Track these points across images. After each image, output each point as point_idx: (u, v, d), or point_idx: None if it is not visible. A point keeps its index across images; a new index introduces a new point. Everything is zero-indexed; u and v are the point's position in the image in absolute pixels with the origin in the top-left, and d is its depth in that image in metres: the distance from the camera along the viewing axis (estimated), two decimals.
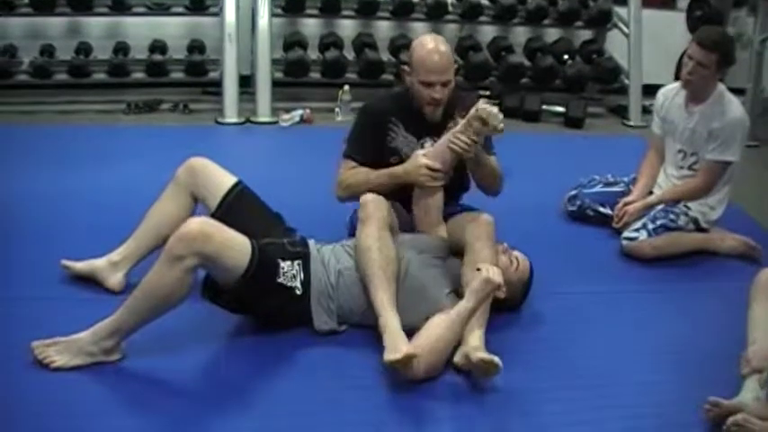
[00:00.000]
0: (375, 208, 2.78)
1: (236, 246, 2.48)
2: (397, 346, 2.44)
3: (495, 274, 2.58)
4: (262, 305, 2.63)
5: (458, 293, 2.77)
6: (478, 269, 2.61)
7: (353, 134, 3.20)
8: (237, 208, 2.87)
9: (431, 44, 2.97)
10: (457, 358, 2.57)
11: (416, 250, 2.84)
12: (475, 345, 2.56)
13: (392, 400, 2.44)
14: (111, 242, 3.01)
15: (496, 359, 2.45)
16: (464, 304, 2.56)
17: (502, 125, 2.83)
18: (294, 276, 2.64)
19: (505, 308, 2.87)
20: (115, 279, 2.90)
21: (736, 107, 3.67)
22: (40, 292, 2.91)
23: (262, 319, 2.71)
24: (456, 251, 2.94)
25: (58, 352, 2.39)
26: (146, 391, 2.39)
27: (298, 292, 2.65)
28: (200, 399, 2.39)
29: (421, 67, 2.96)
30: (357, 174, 3.10)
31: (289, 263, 2.65)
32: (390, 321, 2.55)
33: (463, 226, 2.90)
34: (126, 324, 2.43)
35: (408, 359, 2.40)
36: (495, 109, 2.81)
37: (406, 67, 3.09)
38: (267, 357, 2.60)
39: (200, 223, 2.42)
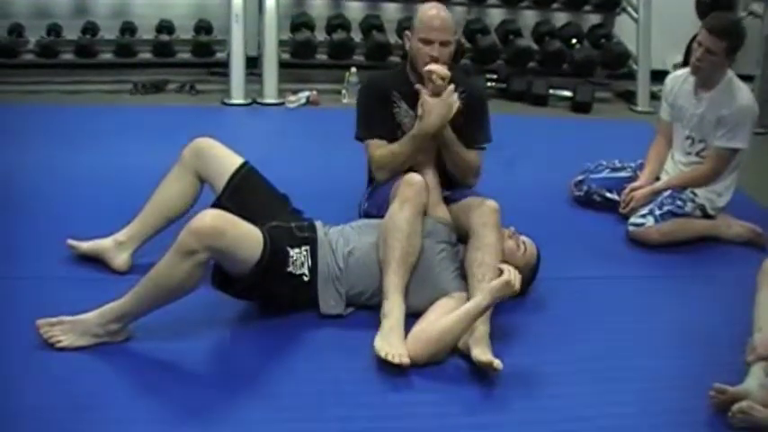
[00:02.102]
0: (417, 192, 2.76)
1: (248, 239, 2.47)
2: (392, 341, 2.46)
3: (516, 279, 2.54)
4: (271, 293, 2.64)
5: (463, 277, 2.78)
6: (500, 270, 2.56)
7: (362, 114, 3.21)
8: (244, 189, 2.87)
9: (433, 8, 3.06)
10: (461, 344, 2.56)
11: (424, 233, 2.83)
12: (478, 336, 2.54)
13: (397, 381, 2.44)
14: (116, 222, 3.01)
15: (496, 362, 2.42)
16: (479, 301, 2.52)
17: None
18: (302, 263, 2.64)
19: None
20: (121, 259, 2.90)
21: (745, 94, 3.65)
22: (46, 272, 2.91)
23: (269, 303, 2.71)
24: (460, 236, 2.94)
25: (64, 332, 2.39)
26: (152, 373, 2.39)
27: (305, 279, 2.65)
28: (206, 381, 2.39)
29: (422, 25, 3.03)
30: (384, 150, 3.12)
31: (297, 250, 2.64)
32: (395, 309, 2.57)
33: (468, 211, 2.89)
34: (133, 310, 2.43)
35: (400, 366, 2.42)
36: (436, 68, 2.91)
37: (408, 32, 3.14)
38: (274, 340, 2.60)
39: (214, 217, 2.39)
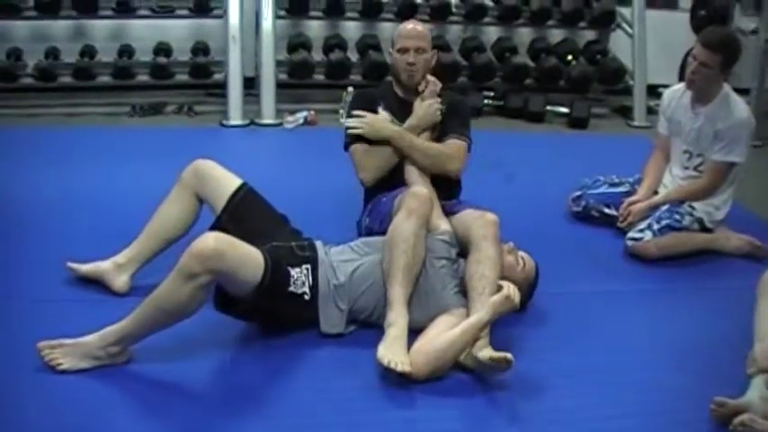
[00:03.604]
0: (421, 203, 2.79)
1: (249, 261, 2.47)
2: (395, 350, 2.48)
3: (515, 295, 2.58)
4: (273, 313, 2.64)
5: (464, 293, 2.78)
6: (500, 286, 2.61)
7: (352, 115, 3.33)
8: (243, 210, 2.88)
9: (408, 23, 3.41)
10: (463, 358, 2.56)
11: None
12: (480, 344, 2.56)
13: (399, 399, 2.44)
14: (115, 244, 3.02)
15: (509, 355, 2.45)
16: (480, 317, 2.55)
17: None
18: (303, 282, 2.65)
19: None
20: (121, 281, 2.91)
21: (741, 108, 3.67)
22: (46, 294, 2.91)
23: (270, 323, 2.71)
24: (461, 248, 2.95)
25: (64, 354, 2.39)
26: (154, 395, 2.38)
27: (306, 297, 2.65)
28: (208, 402, 2.39)
29: (398, 37, 3.31)
30: (372, 151, 3.26)
31: (298, 269, 2.65)
32: (400, 319, 2.58)
33: (468, 224, 2.91)
34: (134, 332, 2.42)
35: (402, 375, 2.44)
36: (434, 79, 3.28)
37: (390, 50, 3.38)
38: (275, 359, 2.60)
39: (215, 240, 2.38)
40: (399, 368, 2.42)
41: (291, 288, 2.61)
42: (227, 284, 2.47)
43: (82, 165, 4.46)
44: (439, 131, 3.31)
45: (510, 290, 2.56)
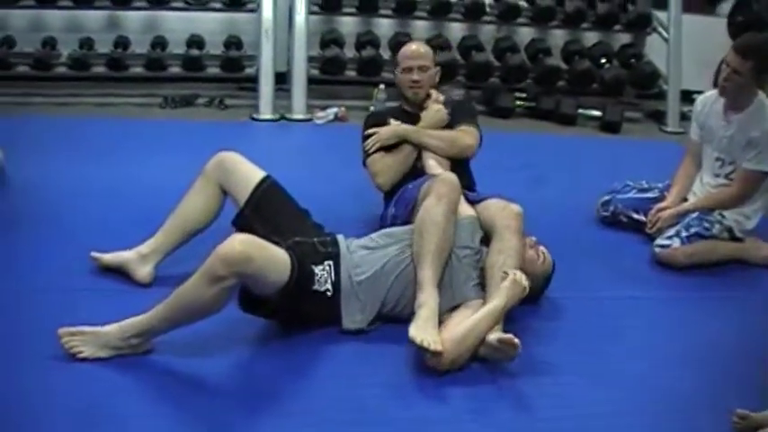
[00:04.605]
0: (451, 189, 2.84)
1: (275, 263, 2.47)
2: (428, 330, 2.48)
3: (522, 278, 2.64)
4: (296, 311, 2.63)
5: (483, 286, 2.78)
6: (505, 273, 2.66)
7: (364, 139, 3.50)
8: (266, 202, 2.88)
9: (410, 44, 3.70)
10: (481, 351, 2.57)
11: None
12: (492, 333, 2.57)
13: (419, 398, 2.43)
14: (140, 234, 3.03)
15: (516, 340, 2.46)
16: (496, 303, 2.60)
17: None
18: (326, 280, 2.64)
19: (526, 300, 2.83)
20: (144, 271, 2.91)
21: None
22: (69, 283, 2.92)
23: (291, 319, 2.70)
24: (485, 234, 2.95)
25: (84, 342, 2.39)
26: (171, 387, 2.37)
27: (329, 294, 2.65)
28: (226, 396, 2.37)
29: (401, 58, 3.53)
30: (386, 157, 3.42)
31: (321, 267, 2.65)
32: (430, 300, 2.59)
33: (492, 213, 2.93)
34: (155, 327, 2.42)
35: (436, 354, 2.44)
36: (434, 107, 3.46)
37: (395, 71, 3.59)
38: (295, 356, 2.58)
39: (243, 244, 2.37)
40: (432, 347, 2.43)
41: (315, 286, 2.61)
42: (252, 286, 2.47)
43: (111, 155, 4.49)
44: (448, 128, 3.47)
45: (516, 275, 2.63)
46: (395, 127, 3.44)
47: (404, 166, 3.40)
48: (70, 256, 3.08)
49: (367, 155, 3.46)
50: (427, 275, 2.65)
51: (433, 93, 3.53)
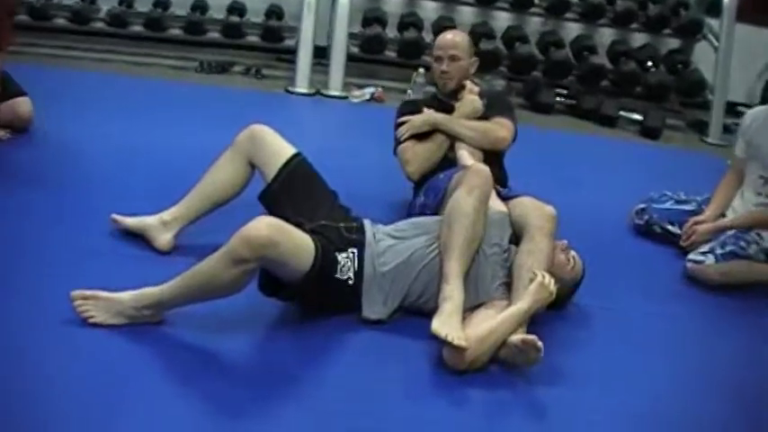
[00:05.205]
0: (484, 181, 2.75)
1: (300, 249, 2.40)
2: (452, 324, 2.41)
3: (550, 283, 2.57)
4: (317, 297, 2.56)
5: (508, 286, 2.71)
6: (534, 275, 2.59)
7: (396, 126, 3.43)
8: (295, 179, 2.80)
9: (446, 33, 3.57)
10: (501, 353, 2.50)
11: None
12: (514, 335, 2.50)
13: (431, 396, 2.36)
14: (164, 200, 2.96)
15: (539, 343, 2.38)
16: (520, 306, 2.53)
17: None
18: (349, 268, 2.57)
19: (553, 304, 2.75)
20: (164, 239, 2.85)
21: None
22: (87, 244, 2.85)
23: (312, 305, 2.63)
24: (514, 233, 2.87)
25: (97, 308, 2.33)
26: (182, 361, 2.30)
27: (350, 283, 2.58)
28: (237, 375, 2.30)
29: (434, 47, 3.49)
30: (418, 145, 3.36)
31: (344, 254, 2.57)
32: (456, 294, 2.51)
33: (526, 212, 2.85)
34: (171, 301, 2.36)
35: (459, 350, 2.37)
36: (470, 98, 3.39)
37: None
38: (312, 341, 2.51)
39: (270, 228, 2.29)
40: (456, 342, 2.36)
41: (338, 275, 2.54)
42: (274, 269, 2.40)
43: (143, 116, 4.45)
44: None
45: (545, 278, 2.57)
46: (428, 115, 3.37)
47: (436, 156, 3.33)
48: (91, 216, 3.01)
49: (398, 142, 3.39)
50: (454, 268, 2.57)
51: (468, 83, 3.44)
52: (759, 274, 3.53)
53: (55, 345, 2.27)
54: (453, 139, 3.32)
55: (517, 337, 2.46)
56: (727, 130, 6.17)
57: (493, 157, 3.30)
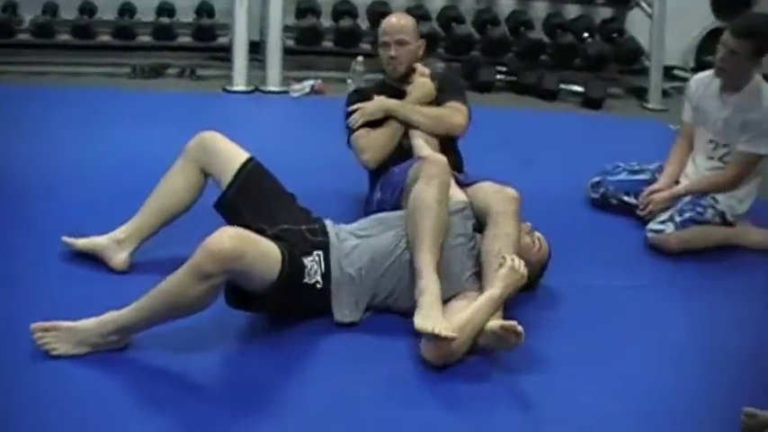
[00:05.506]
0: (441, 171, 2.70)
1: (267, 258, 2.32)
2: (435, 316, 2.37)
3: (520, 266, 2.54)
4: (286, 305, 2.50)
5: (479, 275, 2.67)
6: (503, 258, 2.55)
7: (349, 115, 3.33)
8: (251, 186, 2.72)
9: (391, 16, 3.46)
10: (480, 340, 2.47)
11: None
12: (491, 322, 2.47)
13: (415, 395, 2.32)
14: (114, 215, 2.86)
15: (519, 327, 2.34)
16: (492, 291, 2.49)
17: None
18: (316, 271, 2.51)
19: (522, 288, 2.73)
20: (120, 258, 2.75)
21: None
22: (39, 271, 2.74)
23: (281, 314, 2.57)
24: (476, 221, 2.84)
25: (59, 339, 2.23)
26: (155, 385, 2.22)
27: (319, 286, 2.51)
28: (212, 395, 2.23)
29: (380, 32, 3.38)
30: (372, 133, 3.26)
31: (310, 258, 2.51)
32: (432, 285, 2.46)
33: (487, 197, 2.82)
34: (137, 324, 2.27)
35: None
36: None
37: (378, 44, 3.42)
38: (285, 351, 2.44)
39: (232, 239, 2.21)
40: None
41: (306, 279, 2.47)
42: (241, 281, 2.32)
43: (78, 128, 4.29)
44: (435, 104, 3.34)
45: (514, 261, 2.53)
46: (380, 101, 3.29)
47: (391, 142, 3.25)
48: (39, 241, 2.90)
49: (351, 131, 3.31)
50: (425, 260, 2.51)
51: (419, 66, 3.37)
52: (717, 237, 3.57)
53: (17, 381, 2.17)
54: (408, 125, 3.26)
55: (496, 323, 2.42)
56: (665, 94, 6.23)
57: (448, 143, 3.27)
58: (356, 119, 3.28)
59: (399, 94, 3.32)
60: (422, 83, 3.31)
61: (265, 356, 2.41)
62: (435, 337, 2.32)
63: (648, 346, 2.74)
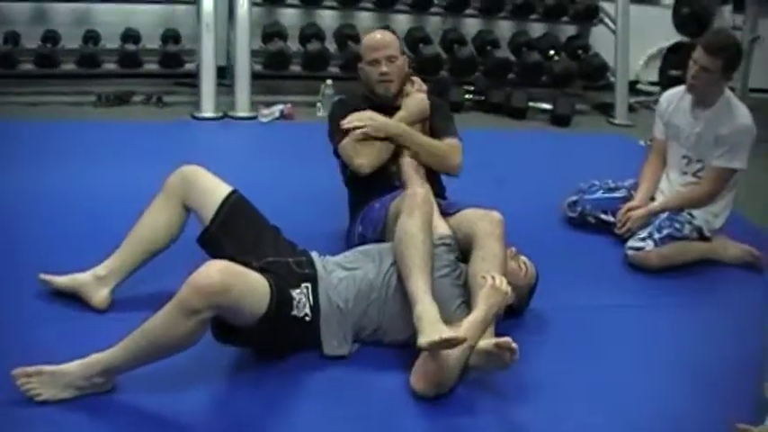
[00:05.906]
0: (423, 201, 2.67)
1: (254, 292, 2.28)
2: (439, 328, 2.31)
3: (501, 283, 2.48)
4: (274, 339, 2.45)
5: (468, 304, 2.63)
6: (483, 278, 2.51)
7: (336, 122, 3.21)
8: (234, 219, 2.68)
9: (375, 33, 3.32)
10: (471, 361, 2.43)
11: None
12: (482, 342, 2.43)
13: (412, 424, 2.30)
14: (91, 251, 2.79)
15: (514, 344, 2.29)
16: (476, 314, 2.44)
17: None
18: (305, 304, 2.46)
19: (511, 313, 2.76)
20: (101, 296, 2.68)
21: (744, 113, 3.57)
22: (17, 311, 2.65)
23: (269, 349, 2.52)
24: (462, 247, 2.81)
25: (43, 384, 2.17)
26: (145, 428, 2.17)
27: (307, 319, 2.47)
28: None
29: (365, 49, 3.25)
30: (366, 142, 3.13)
31: (298, 290, 2.47)
32: (429, 309, 2.40)
33: (472, 222, 2.80)
34: (122, 365, 2.21)
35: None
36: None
37: (359, 64, 3.29)
38: (273, 388, 2.39)
39: (219, 273, 2.17)
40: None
41: (294, 312, 2.42)
42: (229, 316, 2.26)
43: (47, 161, 4.19)
44: (429, 130, 3.27)
45: (495, 280, 2.48)
46: (385, 121, 3.14)
47: (384, 154, 3.14)
48: (14, 281, 2.81)
49: (341, 137, 3.15)
50: (418, 286, 2.46)
51: (417, 80, 3.31)
52: (695, 253, 3.61)
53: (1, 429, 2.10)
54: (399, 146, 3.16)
55: (489, 341, 2.38)
56: (631, 109, 6.30)
57: (432, 171, 3.22)
58: (356, 123, 3.13)
59: (385, 110, 3.20)
60: (419, 98, 3.24)
61: (253, 394, 2.36)
62: (446, 342, 2.27)
63: (637, 365, 2.74)
